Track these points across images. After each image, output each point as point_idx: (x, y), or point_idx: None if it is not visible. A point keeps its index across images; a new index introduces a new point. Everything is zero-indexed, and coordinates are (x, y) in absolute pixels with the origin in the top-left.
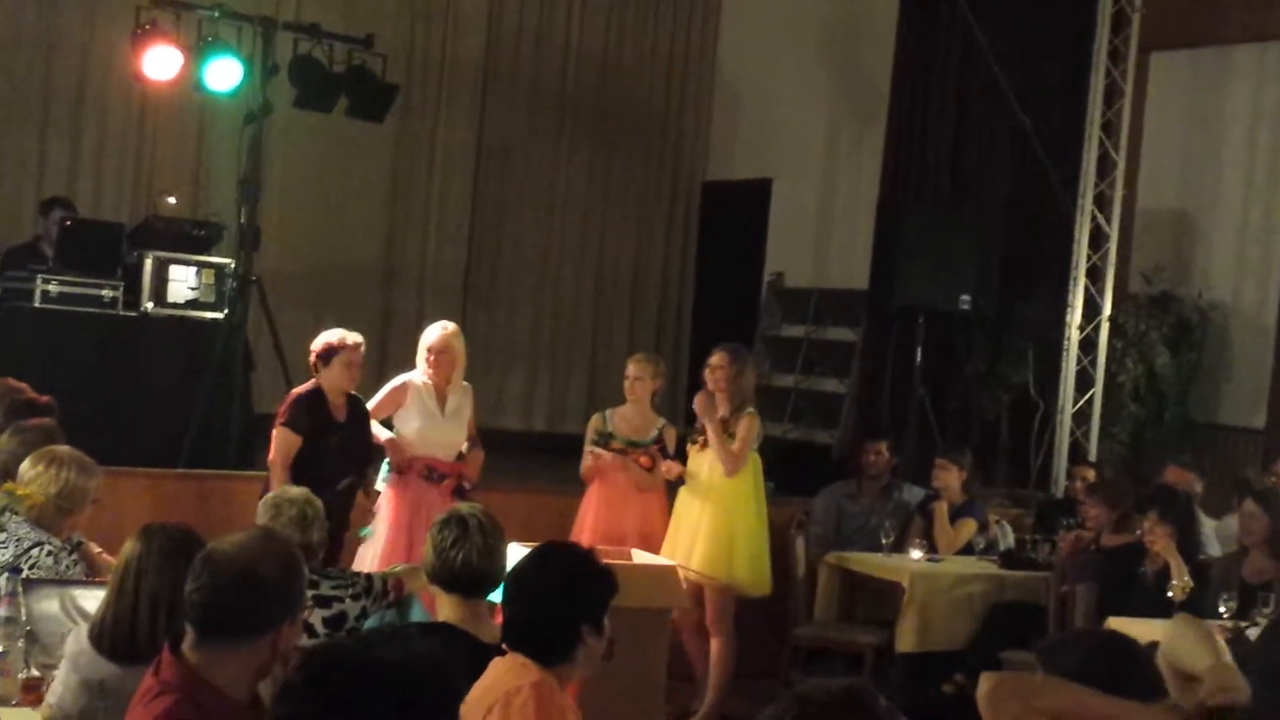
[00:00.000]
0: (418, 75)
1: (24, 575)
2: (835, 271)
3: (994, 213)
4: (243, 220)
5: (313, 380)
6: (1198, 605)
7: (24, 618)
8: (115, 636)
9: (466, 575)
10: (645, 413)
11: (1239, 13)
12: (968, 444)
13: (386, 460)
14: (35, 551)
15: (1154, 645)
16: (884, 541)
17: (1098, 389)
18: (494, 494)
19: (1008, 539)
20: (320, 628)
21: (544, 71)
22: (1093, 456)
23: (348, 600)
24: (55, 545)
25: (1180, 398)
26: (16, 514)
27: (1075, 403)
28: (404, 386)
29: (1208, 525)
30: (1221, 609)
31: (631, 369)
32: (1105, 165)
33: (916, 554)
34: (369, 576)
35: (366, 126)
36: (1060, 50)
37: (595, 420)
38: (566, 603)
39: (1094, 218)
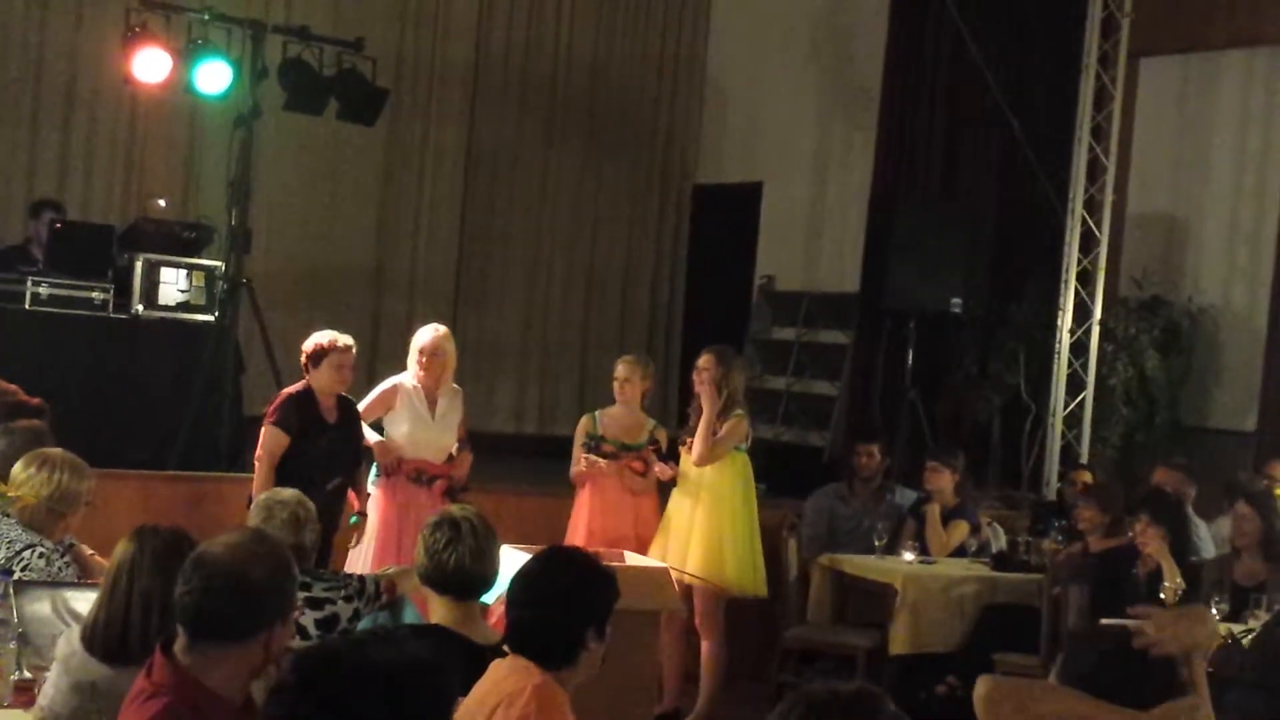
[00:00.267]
0: (408, 78)
1: (16, 577)
2: (826, 274)
3: (985, 215)
4: (233, 223)
5: (304, 380)
6: None
7: (16, 620)
8: (107, 638)
9: (459, 577)
10: (635, 414)
11: (1227, 18)
12: (959, 446)
13: (375, 462)
14: (27, 553)
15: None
16: (876, 544)
17: (1089, 392)
18: (485, 496)
19: (1000, 541)
20: (313, 629)
21: (534, 74)
22: (1084, 459)
23: (340, 602)
24: (47, 547)
25: (1171, 401)
26: (8, 516)
27: (1066, 406)
28: (394, 389)
29: (1203, 528)
30: (1213, 611)
31: (621, 370)
32: (1095, 169)
33: (909, 556)
34: (361, 578)
35: (356, 129)
36: (1049, 54)
37: (585, 422)
38: (573, 608)
39: (1084, 221)
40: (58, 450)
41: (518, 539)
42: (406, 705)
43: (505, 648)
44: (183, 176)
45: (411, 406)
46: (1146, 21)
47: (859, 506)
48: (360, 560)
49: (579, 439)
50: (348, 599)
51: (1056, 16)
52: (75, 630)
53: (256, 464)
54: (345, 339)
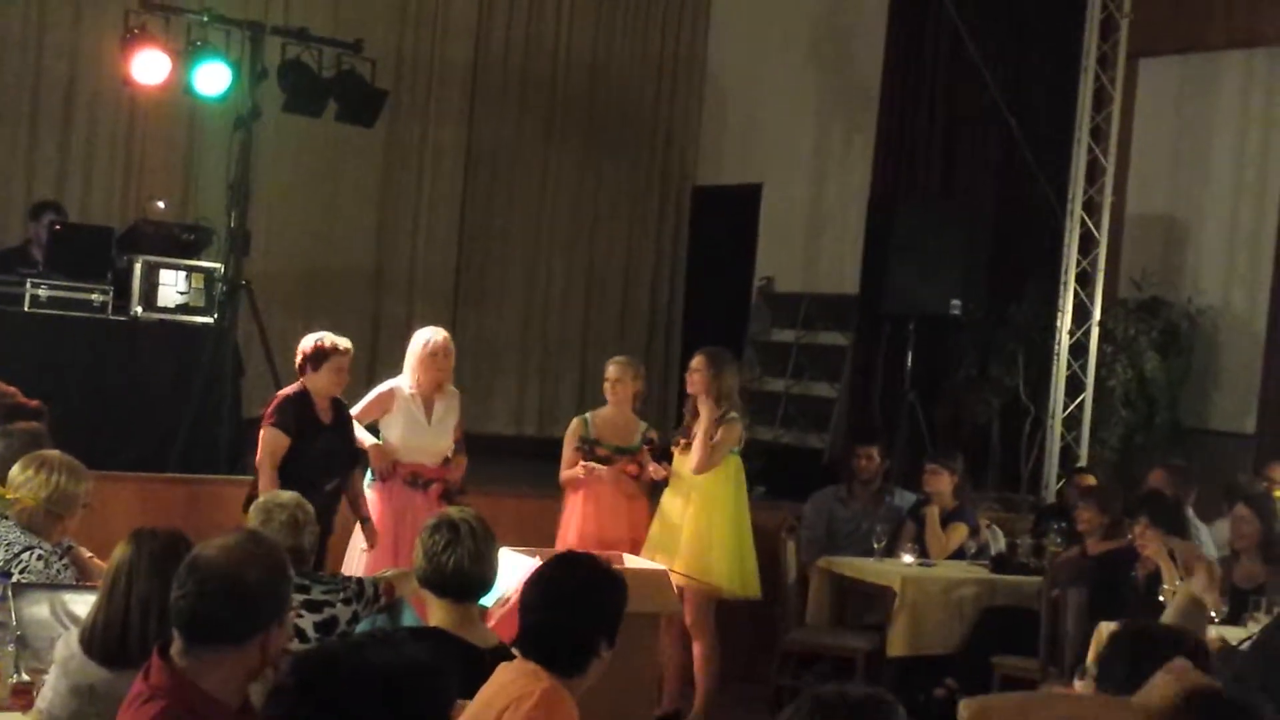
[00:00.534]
0: (407, 79)
1: (14, 580)
2: (825, 276)
3: (984, 217)
4: (232, 224)
5: (298, 382)
6: None
7: (14, 622)
8: (105, 641)
9: (458, 579)
10: (627, 416)
11: (1226, 19)
12: (958, 448)
13: (370, 466)
14: (25, 556)
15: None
16: (875, 546)
17: (1088, 394)
18: (484, 498)
19: (999, 543)
20: (311, 632)
21: (533, 75)
22: (1083, 461)
23: (339, 605)
24: (46, 549)
25: (1170, 403)
26: (6, 518)
27: (1066, 407)
28: (390, 393)
29: (1204, 530)
30: (1213, 613)
31: (611, 371)
32: (1094, 170)
33: (908, 558)
34: (360, 581)
35: (356, 131)
36: (1048, 55)
37: (576, 425)
38: (588, 615)
39: (1083, 223)
40: (56, 452)
41: (516, 541)
42: (405, 707)
43: (515, 650)
44: (182, 178)
45: (408, 410)
46: (1145, 22)
47: (858, 509)
48: (355, 564)
49: (570, 442)
50: (346, 602)
51: (1055, 17)
52: (74, 633)
53: (259, 468)
54: (345, 342)
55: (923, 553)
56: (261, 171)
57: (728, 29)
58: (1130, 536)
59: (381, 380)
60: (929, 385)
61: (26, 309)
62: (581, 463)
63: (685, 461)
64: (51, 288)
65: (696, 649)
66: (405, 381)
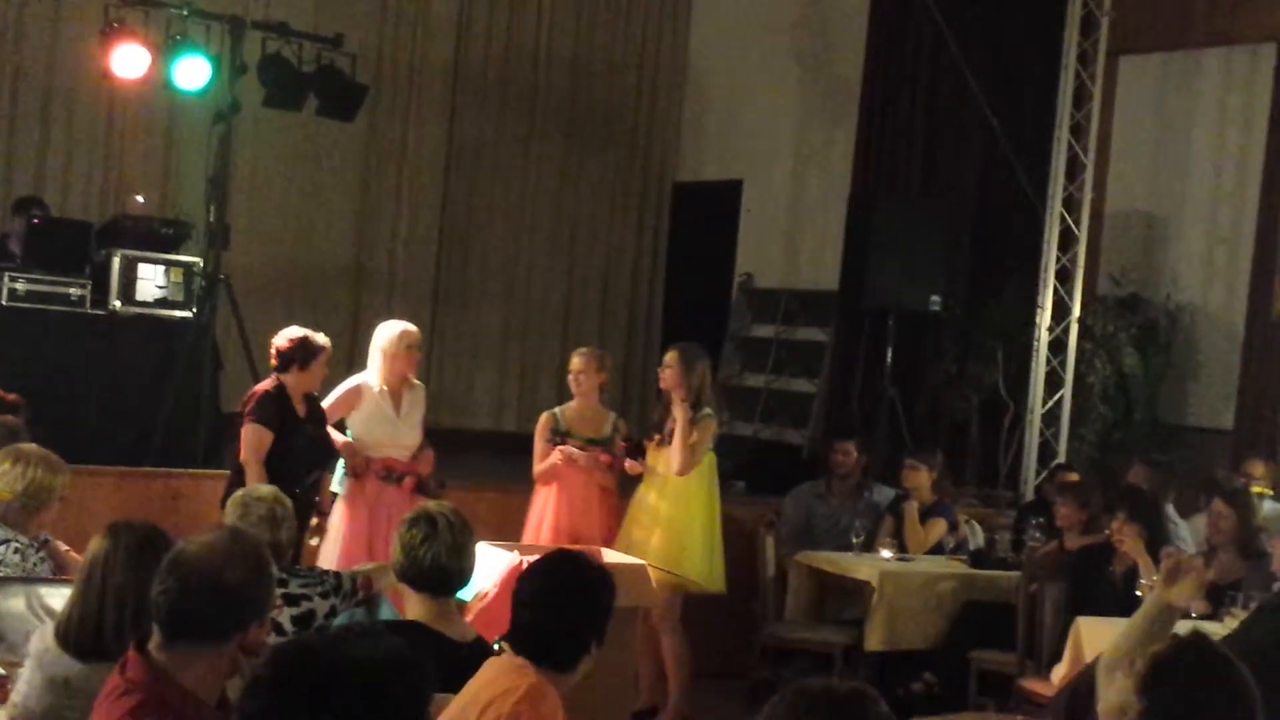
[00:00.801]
0: (387, 75)
1: None
2: (805, 272)
3: (964, 213)
4: (211, 219)
5: (272, 378)
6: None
7: None
8: (81, 635)
9: (435, 573)
10: (596, 407)
11: (1206, 17)
12: (937, 444)
13: (341, 463)
14: (2, 549)
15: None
16: (854, 541)
17: (1067, 390)
18: (464, 493)
19: (977, 539)
20: (289, 626)
21: (514, 71)
22: (1062, 457)
23: (316, 598)
24: (22, 543)
25: (1149, 399)
26: None
27: (1045, 403)
28: (357, 389)
29: (1183, 526)
30: (1190, 611)
31: (575, 362)
32: (1074, 167)
33: (886, 554)
34: (337, 575)
35: (336, 126)
36: (1029, 52)
37: (546, 419)
38: (583, 614)
39: (1063, 219)
40: (33, 446)
41: (496, 536)
42: (383, 701)
43: (504, 644)
44: (161, 172)
45: (377, 405)
46: (1126, 20)
47: (837, 504)
48: (330, 560)
49: (541, 435)
50: (324, 595)
51: (1036, 14)
52: (49, 626)
53: (245, 465)
54: (326, 339)
55: (901, 548)
56: (241, 166)
57: (708, 25)
58: (1108, 532)
59: None
60: (909, 381)
61: (4, 302)
62: (559, 448)
63: (660, 457)
64: (30, 281)
65: (665, 644)
66: (371, 376)
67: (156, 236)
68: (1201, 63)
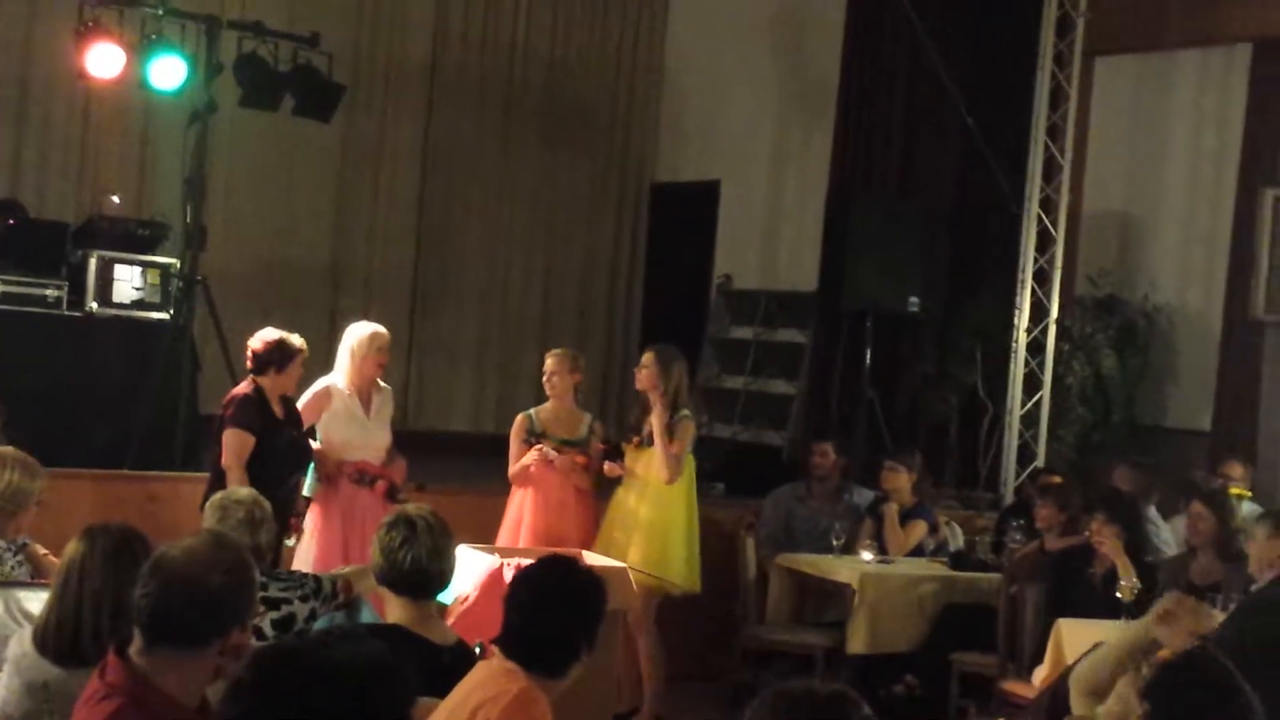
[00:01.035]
0: (364, 74)
1: None
2: (784, 273)
3: (942, 214)
4: (188, 220)
5: (248, 381)
6: (1145, 606)
7: None
8: (59, 639)
9: (415, 576)
10: (571, 409)
11: (1182, 18)
12: (917, 446)
13: (312, 467)
14: None
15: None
16: (834, 543)
17: (1045, 391)
18: (442, 496)
19: (958, 540)
20: (269, 630)
21: (491, 71)
22: (1041, 459)
23: (296, 602)
24: None
25: (1127, 400)
26: None
27: (1023, 405)
28: (326, 392)
29: (1165, 529)
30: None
31: (548, 363)
32: (1051, 168)
33: (867, 556)
34: (318, 578)
35: (313, 126)
36: (1006, 53)
37: (521, 420)
38: (575, 621)
39: (1040, 220)
40: (9, 449)
41: (475, 538)
42: (365, 704)
43: (489, 647)
44: (137, 173)
45: (346, 407)
46: (1102, 21)
47: (816, 506)
48: (303, 564)
49: (517, 437)
50: (304, 599)
51: (1013, 15)
52: (27, 631)
53: (227, 469)
54: (301, 339)
55: (882, 550)
56: (218, 166)
57: (686, 25)
58: (1087, 534)
59: None
60: (887, 382)
61: None
62: (535, 448)
63: (638, 459)
64: (5, 283)
65: (641, 645)
66: (339, 378)
67: (133, 237)
68: (1177, 63)
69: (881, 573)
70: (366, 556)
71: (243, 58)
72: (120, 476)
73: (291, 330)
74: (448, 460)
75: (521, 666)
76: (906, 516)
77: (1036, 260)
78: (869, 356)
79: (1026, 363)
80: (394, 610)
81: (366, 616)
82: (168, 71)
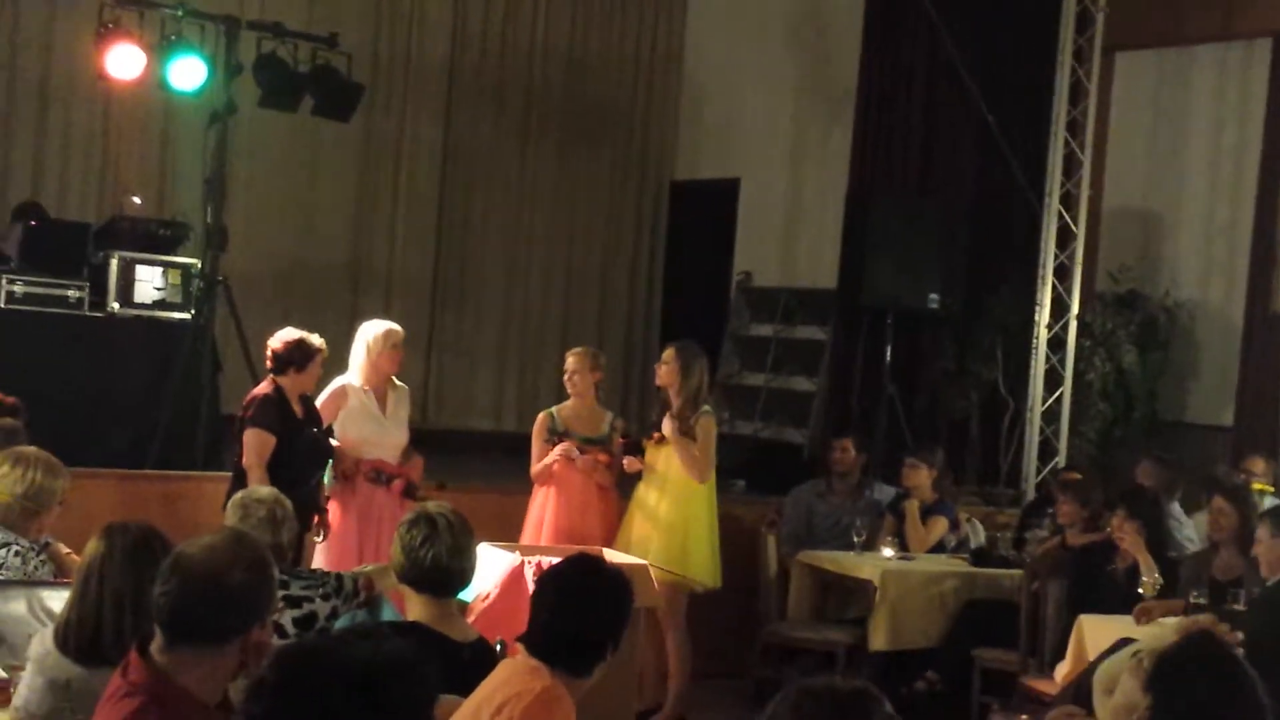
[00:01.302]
0: (383, 74)
1: None
2: (803, 270)
3: (962, 211)
4: (209, 220)
5: (268, 380)
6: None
7: None
8: (80, 638)
9: (436, 574)
10: (592, 407)
11: (1202, 12)
12: (937, 442)
13: (329, 466)
14: (2, 552)
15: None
16: (856, 540)
17: (1066, 387)
18: (464, 494)
19: (979, 537)
20: (290, 628)
21: (510, 70)
22: (1062, 455)
23: (318, 600)
24: (23, 546)
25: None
26: None
27: (1044, 401)
28: (342, 390)
29: (1189, 525)
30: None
31: (569, 362)
32: (1071, 164)
33: (888, 552)
34: (339, 576)
35: (332, 126)
36: (1025, 49)
37: (543, 419)
38: (603, 620)
39: (1060, 216)
40: (32, 449)
41: (496, 536)
42: (386, 703)
43: (512, 645)
44: (158, 174)
45: (363, 406)
46: (1121, 16)
47: (837, 503)
48: (319, 562)
49: (539, 436)
50: (325, 597)
51: (1032, 11)
52: (49, 629)
53: (248, 470)
54: (322, 340)
55: (903, 546)
56: (238, 167)
57: (705, 23)
58: (1109, 529)
59: None
60: (908, 379)
61: (2, 305)
62: (559, 446)
63: (659, 455)
64: (27, 284)
65: (669, 642)
66: (354, 376)
67: (154, 238)
68: (1197, 58)
69: (903, 569)
70: (383, 555)
71: (262, 58)
72: (142, 476)
73: (312, 330)
74: (468, 459)
75: (546, 665)
76: (927, 513)
77: (1057, 256)
78: (889, 353)
79: (1047, 359)
80: (415, 608)
81: (388, 614)
82: (187, 72)
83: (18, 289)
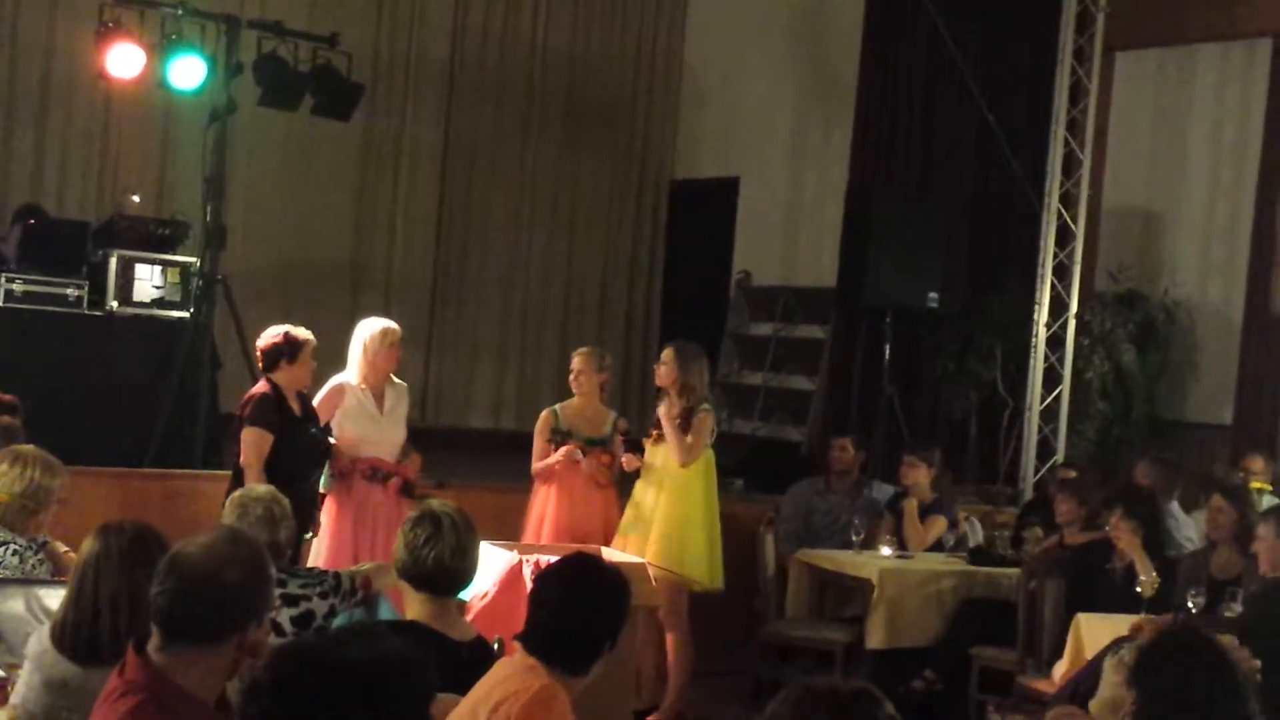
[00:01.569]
0: (384, 74)
1: None
2: (803, 269)
3: (961, 210)
4: (208, 219)
5: (264, 379)
6: (1166, 601)
7: None
8: (76, 637)
9: (438, 574)
10: (596, 406)
11: (1202, 12)
12: (936, 441)
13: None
14: (0, 550)
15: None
16: (854, 538)
17: (1065, 386)
18: (463, 492)
19: (977, 536)
20: (288, 626)
21: (510, 70)
22: (1060, 454)
23: (315, 599)
24: (21, 544)
25: (1147, 395)
26: None
27: (1043, 400)
28: (340, 388)
29: (1189, 524)
30: (1190, 605)
31: (575, 362)
32: (1071, 163)
33: (886, 551)
34: (337, 575)
35: (332, 125)
36: (1025, 48)
37: (546, 417)
38: (601, 619)
39: (1060, 215)
40: (30, 447)
41: (494, 534)
42: (383, 702)
43: (509, 643)
44: (157, 172)
45: (360, 404)
46: (1122, 15)
47: (836, 501)
48: (315, 560)
49: (541, 434)
50: (323, 595)
51: (1032, 9)
52: (46, 628)
53: (246, 468)
54: (309, 333)
55: (901, 545)
56: (238, 166)
57: (705, 23)
58: (1107, 528)
59: None
60: (907, 378)
61: (1, 304)
62: (563, 449)
63: (657, 453)
64: (26, 283)
65: (670, 640)
66: (352, 375)
67: (153, 237)
68: (1198, 58)
69: (901, 568)
70: (379, 553)
71: (262, 57)
72: (141, 475)
73: (312, 328)
74: (468, 457)
75: (543, 663)
76: (926, 512)
77: (1056, 255)
78: (888, 352)
79: (1046, 358)
80: (413, 606)
81: (385, 613)
82: (187, 71)
83: (17, 287)
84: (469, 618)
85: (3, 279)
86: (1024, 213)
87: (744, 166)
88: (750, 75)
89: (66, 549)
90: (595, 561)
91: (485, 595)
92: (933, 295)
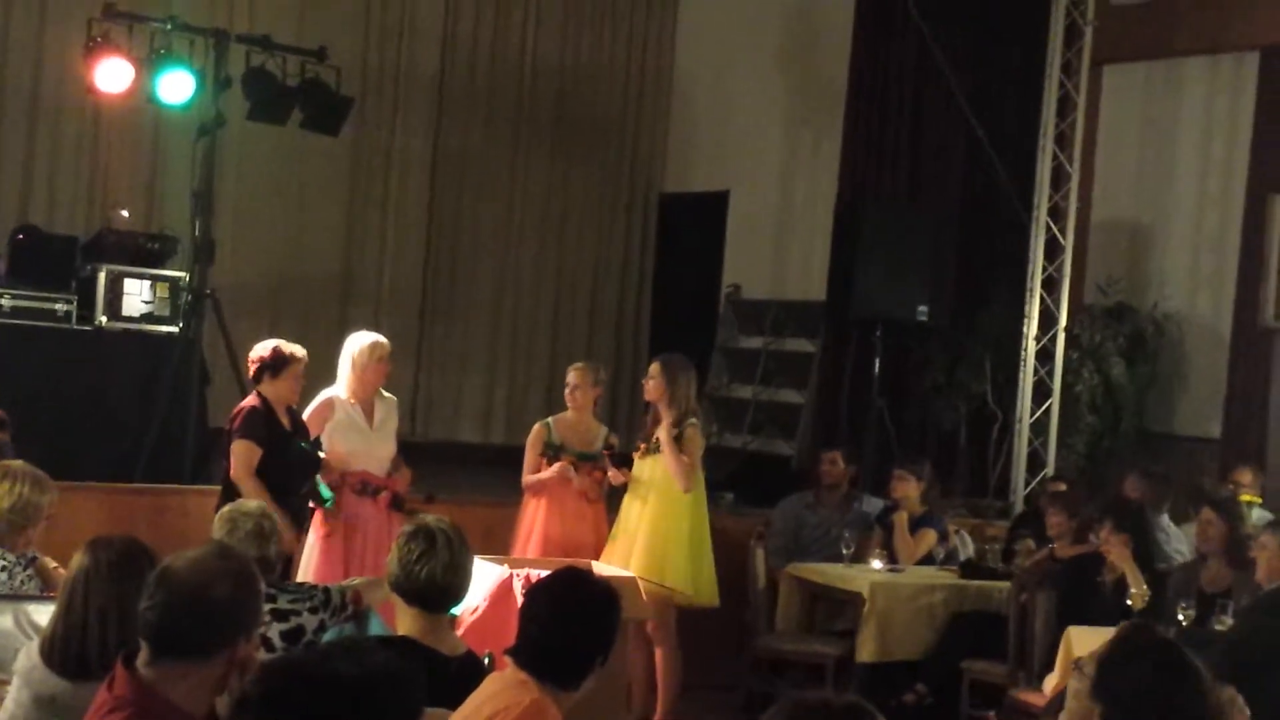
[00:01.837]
0: (372, 87)
1: None
2: (793, 283)
3: (950, 223)
4: (197, 233)
5: (254, 393)
6: (1156, 614)
7: None
8: (65, 652)
9: (430, 589)
10: (588, 421)
11: (1190, 25)
12: (926, 454)
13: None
14: None
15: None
16: (844, 552)
17: (1054, 400)
18: (452, 506)
19: (967, 549)
20: (278, 642)
21: (500, 82)
22: (1050, 467)
23: (305, 614)
24: (9, 560)
25: (1136, 408)
26: None
27: (1033, 413)
28: (329, 403)
29: (1179, 537)
30: (1180, 618)
31: (571, 377)
32: (1059, 177)
33: (877, 564)
34: (327, 590)
35: (321, 139)
36: (1013, 62)
37: (539, 430)
38: (592, 634)
39: (1049, 229)
40: (19, 462)
41: (484, 548)
42: (372, 717)
43: (499, 657)
44: (146, 187)
45: (349, 418)
46: (1110, 29)
47: (826, 515)
48: (305, 574)
49: (534, 448)
50: (313, 610)
51: (1021, 24)
52: (35, 643)
53: (238, 482)
54: (301, 349)
55: (891, 558)
56: (227, 180)
57: (695, 36)
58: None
59: None
60: (897, 391)
61: None
62: (557, 465)
63: (644, 466)
64: (15, 297)
65: (659, 654)
66: (341, 389)
67: (142, 251)
68: (1186, 71)
69: (891, 581)
70: (369, 567)
71: (251, 72)
72: (130, 490)
73: (302, 343)
74: (457, 470)
75: (534, 678)
76: (916, 525)
77: (1045, 268)
78: (878, 365)
79: (1035, 371)
80: (404, 621)
81: (376, 628)
82: (176, 86)
83: (5, 302)
84: (459, 632)
85: None
86: (1013, 226)
87: (734, 180)
88: (740, 89)
89: (55, 564)
90: (586, 576)
91: (476, 610)
92: (922, 308)
